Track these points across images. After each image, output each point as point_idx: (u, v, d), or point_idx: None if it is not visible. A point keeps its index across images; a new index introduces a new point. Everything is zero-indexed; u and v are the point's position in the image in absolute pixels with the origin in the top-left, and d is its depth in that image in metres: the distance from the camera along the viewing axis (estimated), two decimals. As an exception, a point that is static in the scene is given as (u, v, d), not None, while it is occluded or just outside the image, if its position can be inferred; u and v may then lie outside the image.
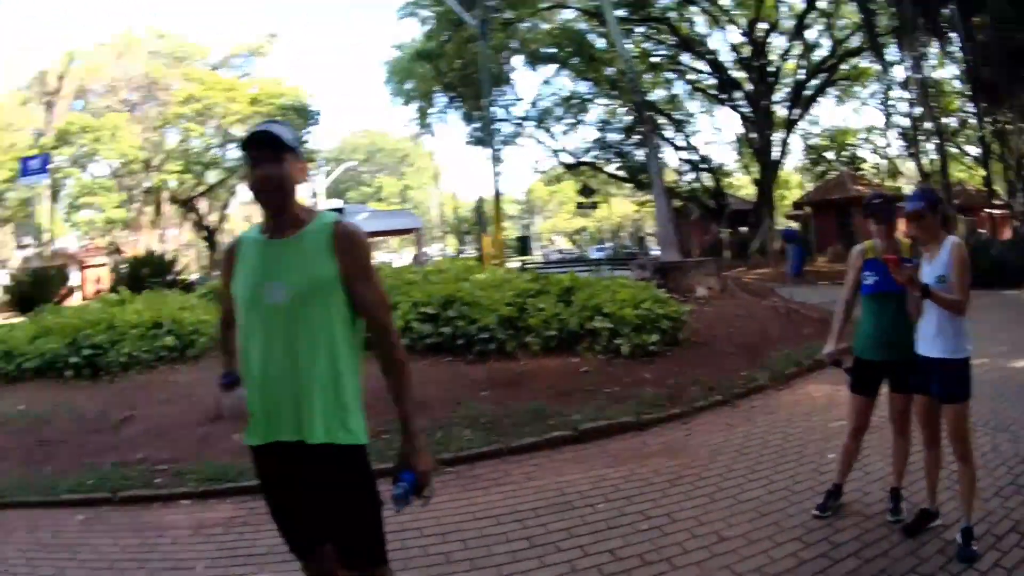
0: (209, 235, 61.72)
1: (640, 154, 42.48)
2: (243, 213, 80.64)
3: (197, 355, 12.02)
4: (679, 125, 44.71)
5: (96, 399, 10.41)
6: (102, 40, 58.70)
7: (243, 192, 66.45)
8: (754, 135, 42.11)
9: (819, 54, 41.84)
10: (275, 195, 3.05)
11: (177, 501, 7.15)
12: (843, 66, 41.46)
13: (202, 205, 61.16)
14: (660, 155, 32.19)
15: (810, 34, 40.94)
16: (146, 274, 23.69)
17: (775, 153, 42.52)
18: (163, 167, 53.53)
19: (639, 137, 41.12)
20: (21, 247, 60.34)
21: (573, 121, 46.63)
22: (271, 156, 3.01)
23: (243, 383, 3.23)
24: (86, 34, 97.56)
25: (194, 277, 36.22)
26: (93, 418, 9.64)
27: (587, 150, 46.89)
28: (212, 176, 58.43)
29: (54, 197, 54.71)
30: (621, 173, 47.11)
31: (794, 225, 39.62)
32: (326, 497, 3.04)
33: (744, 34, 41.03)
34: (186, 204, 58.10)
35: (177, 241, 64.75)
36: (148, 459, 8.12)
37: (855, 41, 39.13)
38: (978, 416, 6.41)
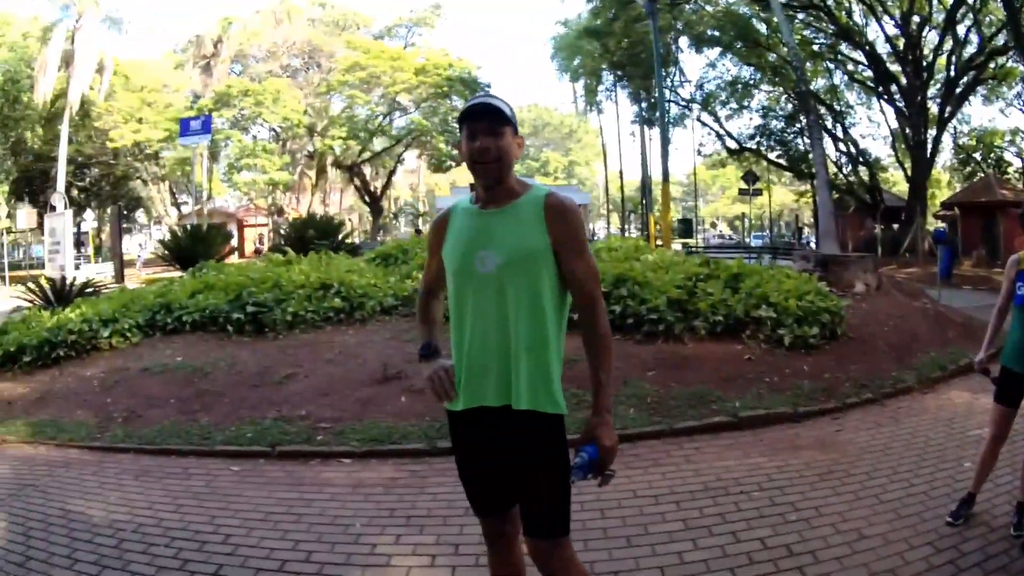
0: (373, 201, 62.96)
1: (801, 143, 41.73)
2: (408, 180, 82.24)
3: (364, 318, 12.15)
4: (838, 116, 43.57)
5: (258, 355, 10.68)
6: (260, 7, 60.25)
7: (409, 160, 67.92)
8: (908, 130, 40.69)
9: (968, 51, 40.09)
10: (492, 167, 3.07)
11: (337, 459, 7.35)
12: (990, 64, 39.66)
13: (367, 171, 62.38)
14: (823, 145, 31.33)
15: (960, 29, 39.19)
16: (311, 236, 23.75)
17: (927, 150, 41.00)
18: (327, 133, 54.65)
19: (800, 126, 40.35)
20: (176, 205, 62.76)
21: (736, 106, 46.13)
22: (489, 129, 3.05)
23: (443, 354, 3.27)
24: (243, 1, 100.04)
25: (358, 240, 36.82)
26: (255, 373, 9.92)
27: (751, 136, 46.22)
28: (377, 144, 59.51)
29: (213, 158, 56.73)
30: (782, 161, 46.24)
31: (942, 226, 38.16)
32: (523, 464, 3.07)
33: (898, 26, 39.66)
34: (350, 170, 59.37)
35: (339, 205, 66.57)
36: (310, 416, 8.35)
37: (1002, 39, 37.29)
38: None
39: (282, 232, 31.59)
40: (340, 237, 26.00)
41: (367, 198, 63.85)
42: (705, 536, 5.12)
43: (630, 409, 7.91)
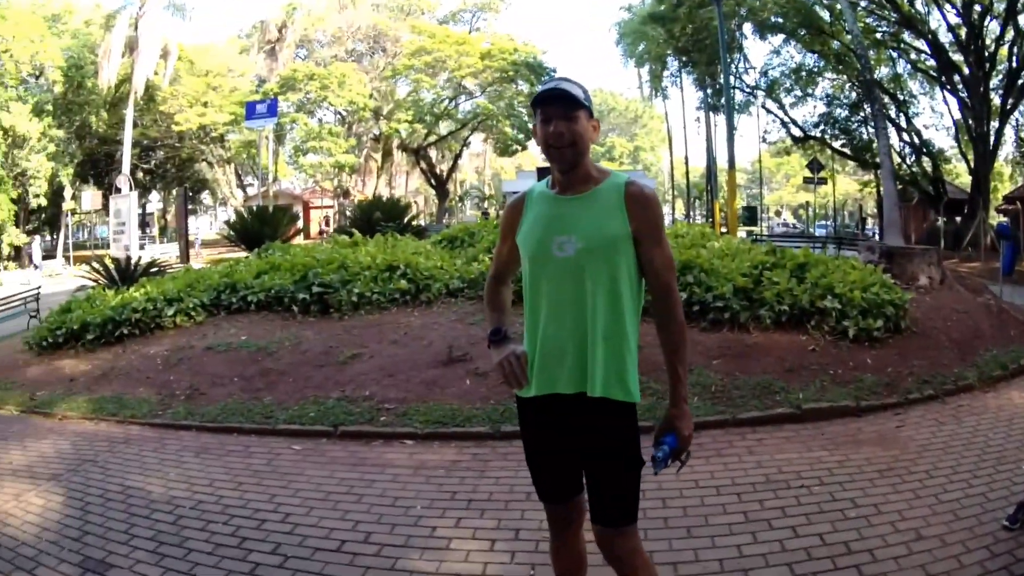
0: (439, 184, 63.29)
1: (865, 132, 41.12)
2: (473, 164, 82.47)
3: (430, 300, 12.20)
4: (902, 105, 42.81)
5: (323, 336, 10.77)
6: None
7: (475, 143, 68.21)
8: (971, 121, 39.84)
9: None
10: (567, 152, 3.04)
11: (400, 440, 7.40)
12: None
13: (432, 154, 62.68)
14: (887, 136, 30.81)
15: (1022, 20, 38.08)
16: (378, 218, 23.94)
17: (990, 142, 40.08)
18: (392, 116, 54.93)
19: (864, 115, 39.76)
20: (242, 186, 63.57)
21: (801, 94, 45.37)
22: (563, 113, 3.02)
23: (513, 339, 3.24)
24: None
25: (424, 223, 36.96)
26: (319, 353, 10.02)
27: (815, 124, 45.47)
28: (443, 127, 59.79)
29: (278, 140, 57.39)
30: (846, 150, 45.49)
31: (1004, 220, 37.26)
32: (594, 451, 3.06)
33: (959, 15, 38.77)
34: (416, 153, 59.74)
35: (405, 188, 67.04)
36: (374, 397, 8.42)
37: None
38: None
39: (348, 214, 31.72)
40: (406, 219, 26.17)
41: (433, 181, 64.22)
42: (765, 529, 5.06)
43: (694, 397, 7.85)
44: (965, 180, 45.55)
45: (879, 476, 6.07)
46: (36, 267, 37.72)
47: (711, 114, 47.12)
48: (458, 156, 65.56)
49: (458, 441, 7.26)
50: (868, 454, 6.62)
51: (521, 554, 4.83)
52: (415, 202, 55.59)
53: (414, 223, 27.11)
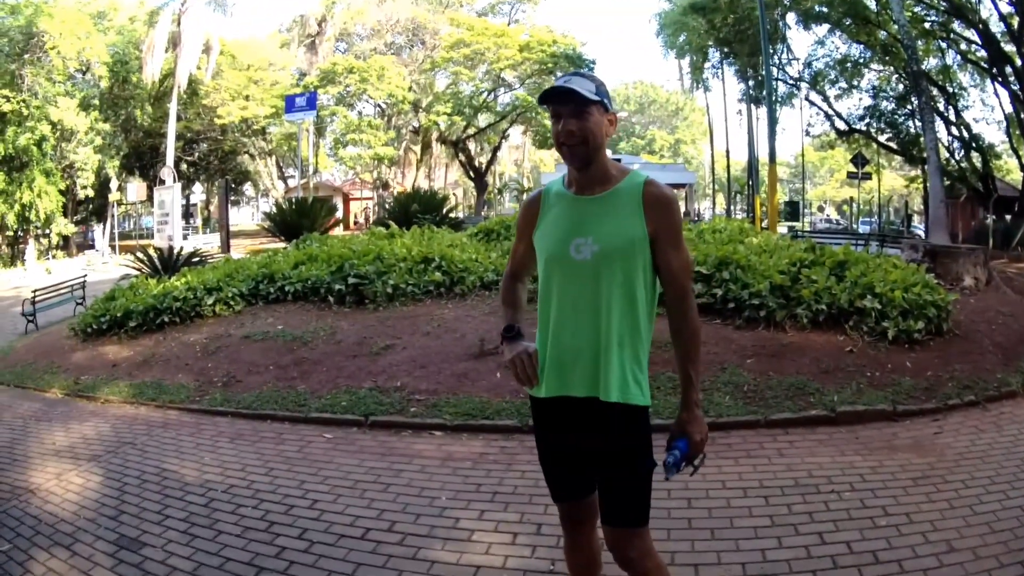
0: (478, 176, 63.43)
1: (912, 126, 40.54)
2: (512, 157, 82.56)
3: (464, 292, 12.23)
4: (950, 98, 42.12)
5: (357, 326, 10.85)
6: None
7: (514, 136, 68.24)
8: (1023, 115, 39.18)
9: None
10: (578, 149, 2.99)
11: (429, 432, 7.43)
12: None
13: (471, 146, 62.80)
14: (935, 129, 30.37)
15: None
16: (415, 210, 23.89)
17: (1042, 137, 39.46)
18: (431, 108, 55.05)
19: (911, 108, 39.22)
20: (283, 178, 64.09)
21: (846, 86, 44.70)
22: (573, 110, 2.96)
23: (526, 337, 3.22)
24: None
25: (460, 216, 37.04)
26: (353, 343, 10.09)
27: (860, 117, 44.78)
28: (482, 119, 59.84)
29: (319, 132, 57.76)
30: (892, 144, 44.83)
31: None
32: (606, 453, 3.04)
33: (1012, 3, 38.10)
34: (455, 145, 59.84)
35: (444, 180, 67.23)
36: (405, 388, 8.47)
37: None
38: None
39: (386, 206, 31.85)
40: (444, 212, 26.19)
41: (472, 173, 64.30)
42: (791, 535, 4.99)
43: (726, 396, 7.76)
44: (1017, 177, 44.73)
45: (913, 484, 5.94)
46: (97, 251, 38.46)
47: (753, 106, 46.70)
48: (497, 148, 65.37)
49: (486, 434, 7.27)
50: (903, 460, 6.49)
51: (542, 548, 4.82)
52: (454, 194, 55.43)
53: (451, 215, 27.19)
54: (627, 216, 2.99)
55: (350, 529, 5.19)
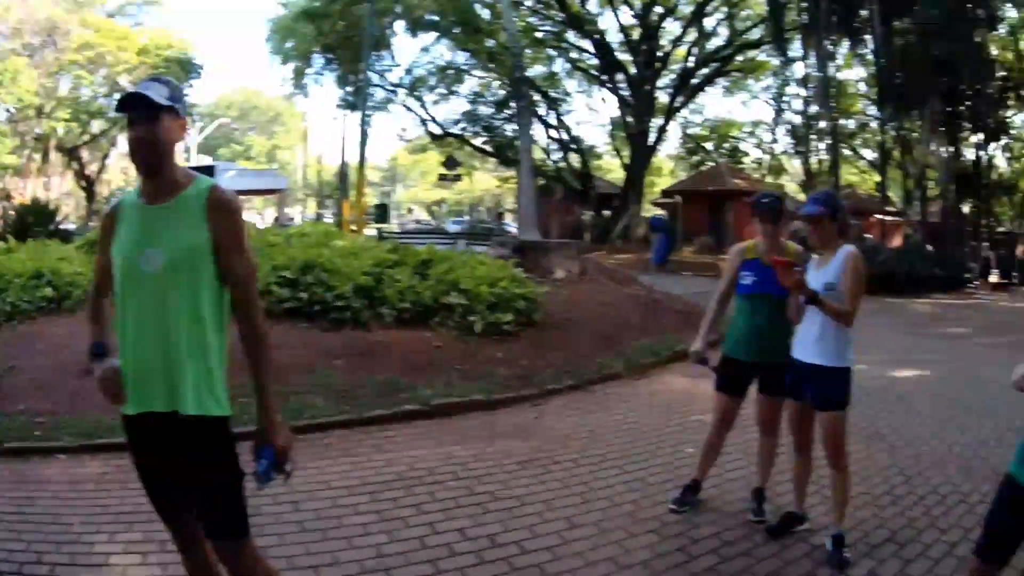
0: (89, 185, 60.03)
1: (509, 129, 42.40)
2: (120, 164, 78.41)
3: (73, 307, 11.39)
4: (553, 103, 44.74)
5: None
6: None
7: (123, 144, 64.82)
8: (630, 119, 42.42)
9: (714, 43, 42.80)
10: (147, 156, 2.93)
11: (54, 455, 6.92)
12: (738, 57, 42.56)
13: (84, 154, 59.40)
14: (531, 132, 32.03)
15: (708, 22, 41.69)
16: (31, 223, 22.53)
17: (651, 139, 43.13)
18: (53, 114, 51.45)
19: (510, 112, 41.04)
20: None
21: (446, 92, 46.12)
22: (145, 117, 2.88)
23: (113, 353, 3.10)
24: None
25: (71, 227, 34.92)
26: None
27: (456, 122, 46.42)
28: (96, 126, 56.62)
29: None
30: (487, 147, 46.94)
31: (661, 213, 40.03)
32: (191, 468, 2.98)
33: (637, 16, 41.23)
34: (70, 153, 56.33)
35: (59, 190, 62.88)
36: (28, 411, 7.80)
37: (755, 33, 40.12)
38: (855, 424, 6.31)
39: (8, 218, 29.55)
40: (56, 224, 24.71)
41: (84, 182, 60.63)
42: (401, 528, 5.03)
43: (319, 398, 7.74)
44: (619, 175, 48.27)
45: (520, 468, 6.20)
46: None
47: (349, 112, 47.07)
48: (106, 156, 62.25)
49: (105, 453, 6.80)
50: (506, 446, 6.76)
51: (172, 566, 4.49)
52: (67, 205, 52.12)
53: (61, 227, 25.62)
54: (192, 223, 2.95)
55: (4, 565, 4.71)
